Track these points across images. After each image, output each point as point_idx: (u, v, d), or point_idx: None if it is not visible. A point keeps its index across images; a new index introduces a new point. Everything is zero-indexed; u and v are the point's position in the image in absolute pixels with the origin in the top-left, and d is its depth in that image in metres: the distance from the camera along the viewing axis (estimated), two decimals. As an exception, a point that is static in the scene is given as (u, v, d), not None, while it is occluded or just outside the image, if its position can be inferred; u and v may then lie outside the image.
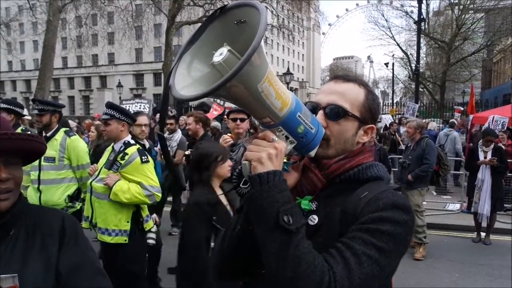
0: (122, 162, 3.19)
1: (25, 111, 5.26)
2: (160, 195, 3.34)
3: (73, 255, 1.23)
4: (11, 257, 1.16)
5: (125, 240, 3.14)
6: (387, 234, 0.96)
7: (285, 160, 1.04)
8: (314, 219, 1.07)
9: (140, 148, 3.37)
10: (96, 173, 3.30)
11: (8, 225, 1.19)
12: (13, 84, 61.82)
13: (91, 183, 3.27)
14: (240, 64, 0.79)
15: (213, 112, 12.27)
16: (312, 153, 1.06)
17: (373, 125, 1.18)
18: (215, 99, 12.43)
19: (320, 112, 1.12)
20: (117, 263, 3.13)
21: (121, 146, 3.28)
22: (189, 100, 0.92)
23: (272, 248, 0.91)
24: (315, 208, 1.09)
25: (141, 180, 3.20)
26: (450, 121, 11.67)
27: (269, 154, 0.94)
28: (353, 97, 1.14)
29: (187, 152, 4.75)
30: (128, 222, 3.18)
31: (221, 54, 0.89)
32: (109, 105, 3.34)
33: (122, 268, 3.13)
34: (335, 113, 1.11)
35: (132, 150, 3.24)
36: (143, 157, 3.23)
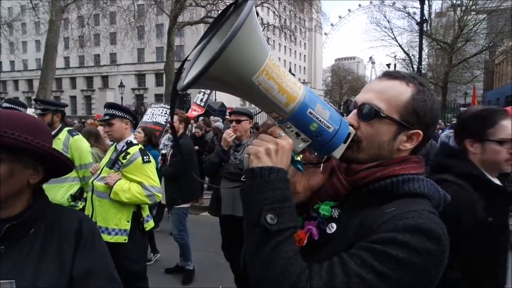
0: (124, 161, 3.19)
1: (29, 110, 5.26)
2: (160, 195, 3.34)
3: (88, 259, 1.21)
4: (27, 258, 1.15)
5: (125, 240, 3.14)
6: (395, 260, 0.81)
7: (298, 159, 0.99)
8: (332, 228, 0.97)
9: (142, 148, 3.37)
10: (98, 172, 3.31)
11: (25, 225, 1.17)
12: (15, 84, 62.03)
13: (92, 181, 3.28)
14: (215, 55, 0.76)
15: (192, 112, 12.36)
16: (336, 154, 0.96)
17: (419, 131, 1.00)
18: (195, 101, 12.51)
19: (354, 111, 1.02)
20: (117, 263, 3.12)
21: (124, 146, 3.28)
22: (183, 89, 0.88)
23: (250, 245, 0.88)
24: (336, 216, 0.99)
25: (142, 180, 3.20)
26: (452, 122, 11.64)
27: (267, 149, 0.90)
28: (393, 96, 0.99)
29: (164, 151, 4.79)
30: (128, 221, 3.18)
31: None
32: (109, 105, 3.32)
33: (122, 267, 3.12)
34: (367, 113, 0.99)
35: (134, 149, 3.25)
36: (144, 157, 3.24)
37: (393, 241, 0.83)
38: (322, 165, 1.04)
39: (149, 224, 3.42)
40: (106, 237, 3.10)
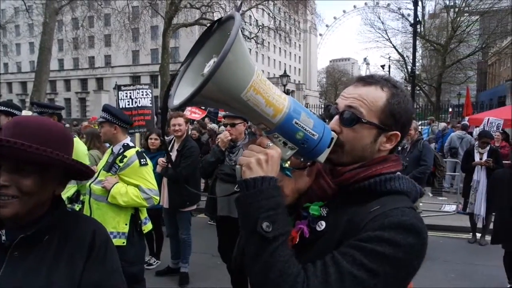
0: (121, 164, 3.20)
1: (24, 113, 5.25)
2: (158, 198, 3.35)
3: (96, 273, 1.20)
4: (39, 266, 1.15)
5: (123, 243, 3.14)
6: (383, 257, 0.89)
7: (286, 166, 1.04)
8: (321, 225, 1.04)
9: (139, 150, 3.38)
10: (95, 175, 3.31)
11: (41, 232, 1.18)
12: (9, 86, 61.56)
13: (90, 185, 3.28)
14: (206, 77, 0.81)
15: (192, 115, 12.40)
16: (321, 159, 1.03)
17: (397, 132, 1.08)
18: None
19: (336, 117, 1.08)
20: None
21: (120, 149, 3.29)
22: (176, 109, 0.94)
23: (249, 252, 0.94)
24: (325, 214, 1.05)
25: (139, 183, 3.21)
26: (463, 123, 11.50)
27: (258, 160, 0.95)
28: (371, 102, 1.05)
29: (162, 159, 4.68)
30: (126, 224, 3.19)
31: (209, 65, 0.90)
32: (103, 109, 3.38)
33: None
34: (349, 119, 1.05)
35: (131, 152, 3.26)
36: (141, 160, 3.25)
37: (380, 239, 0.90)
38: (308, 168, 1.11)
39: (147, 227, 3.43)
40: None
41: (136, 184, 3.20)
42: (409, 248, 0.91)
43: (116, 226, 3.15)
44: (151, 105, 6.42)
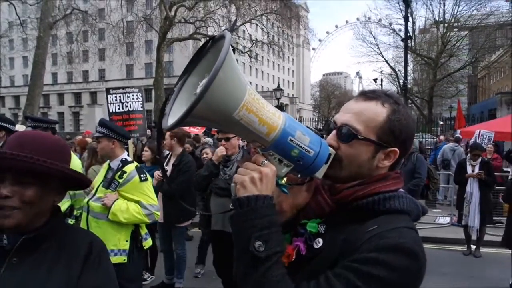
0: (121, 180, 3.12)
1: (18, 127, 5.21)
2: (159, 213, 3.29)
3: (93, 279, 1.24)
4: (37, 271, 1.19)
5: (124, 260, 3.06)
6: (378, 280, 0.86)
7: (283, 182, 1.03)
8: (318, 243, 1.02)
9: (139, 166, 3.33)
10: (93, 191, 3.21)
11: (40, 239, 1.23)
12: (2, 100, 61.12)
13: (88, 202, 3.18)
14: (196, 98, 0.81)
15: (191, 129, 12.41)
16: (319, 175, 1.01)
17: (395, 148, 1.05)
18: None
19: (333, 132, 1.07)
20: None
21: (119, 164, 3.21)
22: (168, 130, 0.94)
23: (240, 271, 0.93)
24: (323, 232, 1.03)
25: (140, 198, 3.14)
26: (455, 136, 11.63)
27: (252, 178, 0.94)
28: (369, 118, 1.03)
29: (159, 173, 4.60)
30: (127, 241, 3.11)
31: (202, 85, 0.89)
32: (101, 123, 3.30)
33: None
34: (346, 135, 1.04)
35: (131, 168, 3.19)
36: (141, 175, 3.18)
37: (375, 261, 0.88)
38: (306, 184, 1.09)
39: (148, 242, 3.35)
40: None
41: (137, 200, 3.13)
42: (405, 272, 0.89)
43: (117, 243, 3.07)
44: (141, 109, 6.23)
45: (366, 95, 1.08)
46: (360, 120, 1.04)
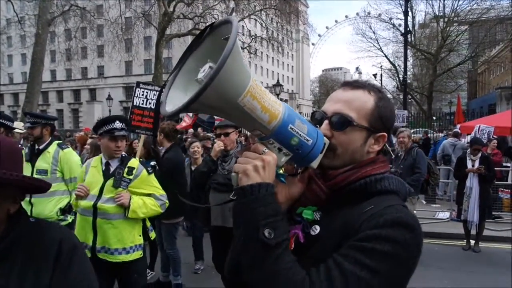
0: (131, 177, 3.07)
1: (17, 124, 5.21)
2: (168, 202, 3.32)
3: (64, 283, 1.18)
4: (6, 283, 1.13)
5: (141, 254, 3.10)
6: (383, 254, 0.90)
7: (281, 172, 1.03)
8: (315, 229, 1.04)
9: (141, 160, 3.35)
10: (96, 194, 3.02)
11: (5, 251, 1.16)
12: (1, 98, 61.05)
13: (94, 205, 2.97)
14: (205, 83, 0.81)
15: (182, 124, 12.43)
16: (314, 164, 1.03)
17: (384, 133, 1.11)
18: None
19: (325, 122, 1.09)
20: (128, 280, 3.09)
21: (119, 161, 3.13)
22: (170, 116, 0.93)
23: (250, 260, 0.92)
24: (318, 219, 1.05)
25: (151, 191, 3.17)
26: (454, 131, 11.58)
27: (255, 166, 0.93)
28: (360, 105, 1.08)
29: (152, 163, 4.70)
30: (140, 235, 3.13)
31: (204, 70, 0.89)
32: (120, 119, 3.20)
33: (134, 283, 3.08)
34: (340, 122, 1.06)
35: (135, 163, 3.17)
36: (148, 169, 3.22)
37: (378, 237, 0.91)
38: (299, 174, 1.11)
39: (152, 234, 3.39)
40: (125, 257, 2.98)
41: (148, 194, 3.14)
42: (405, 243, 0.92)
43: (133, 239, 3.06)
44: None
45: (352, 85, 1.13)
46: (352, 107, 1.07)
